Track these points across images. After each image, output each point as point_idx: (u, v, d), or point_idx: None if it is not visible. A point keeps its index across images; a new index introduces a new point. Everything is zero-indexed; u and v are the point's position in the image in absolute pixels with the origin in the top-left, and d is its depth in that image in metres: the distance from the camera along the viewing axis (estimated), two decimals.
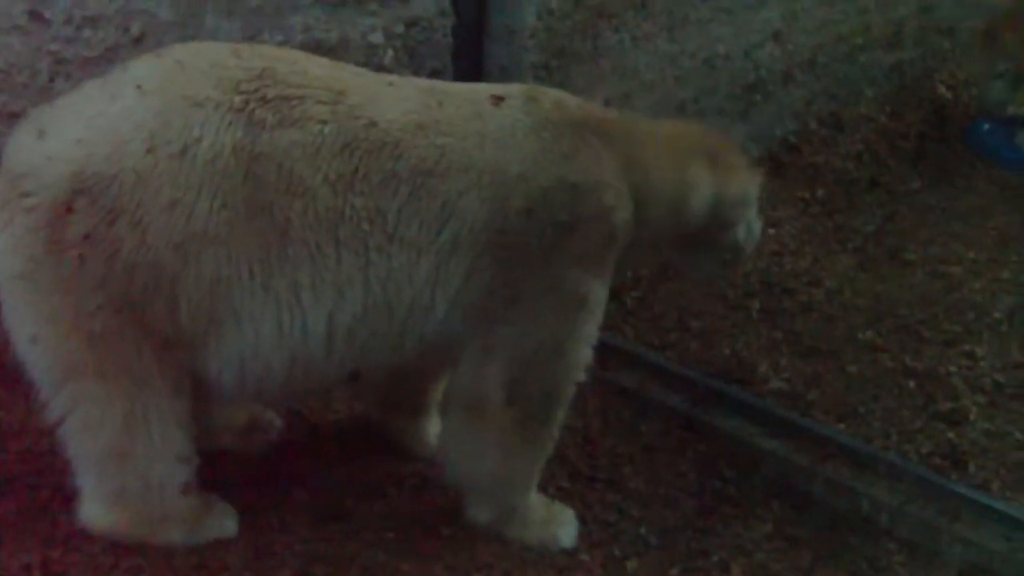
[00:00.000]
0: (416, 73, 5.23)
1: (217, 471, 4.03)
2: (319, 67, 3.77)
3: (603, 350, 4.15)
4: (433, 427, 4.45)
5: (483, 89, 4.03)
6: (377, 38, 5.09)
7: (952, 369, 5.24)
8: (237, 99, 3.55)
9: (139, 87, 3.55)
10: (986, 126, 7.14)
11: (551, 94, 4.07)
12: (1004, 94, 6.87)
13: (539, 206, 3.79)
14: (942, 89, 7.69)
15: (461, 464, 4.07)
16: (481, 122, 3.81)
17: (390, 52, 5.15)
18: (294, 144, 3.57)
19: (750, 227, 4.45)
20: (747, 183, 4.38)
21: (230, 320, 3.59)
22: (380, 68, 5.07)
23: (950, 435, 4.85)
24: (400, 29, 5.18)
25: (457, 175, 3.71)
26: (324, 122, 3.60)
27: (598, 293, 3.96)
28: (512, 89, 4.03)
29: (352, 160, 3.61)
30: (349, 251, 3.62)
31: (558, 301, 3.88)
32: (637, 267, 4.45)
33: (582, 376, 4.03)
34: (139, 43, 4.57)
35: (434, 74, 5.29)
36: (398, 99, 3.77)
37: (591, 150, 3.91)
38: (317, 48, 4.86)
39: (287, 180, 3.55)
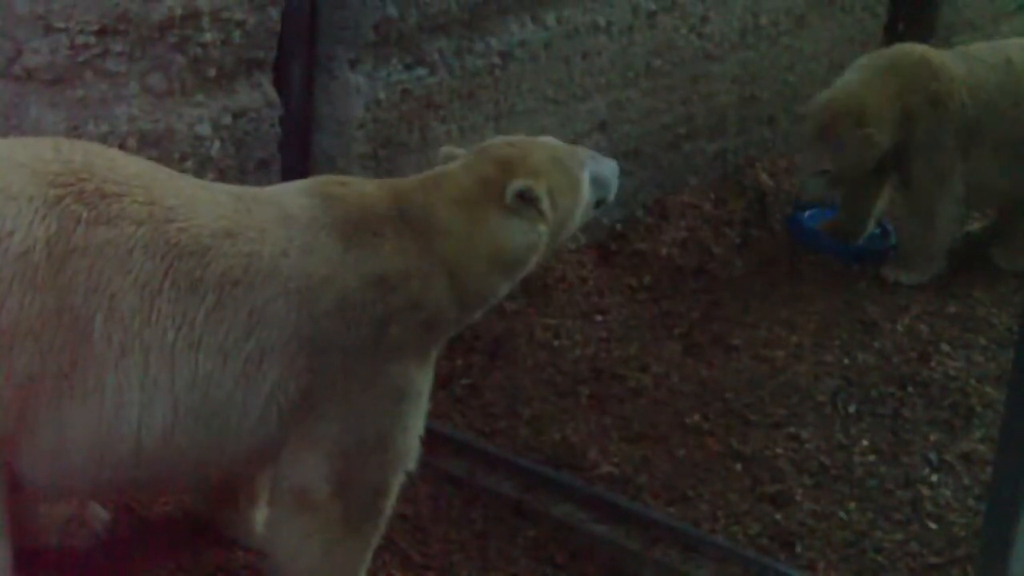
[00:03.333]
0: (243, 164, 5.22)
1: (41, 568, 3.97)
2: (136, 166, 3.76)
3: (433, 438, 4.15)
4: (262, 516, 4.41)
5: (287, 189, 4.04)
6: (204, 129, 5.08)
7: (778, 452, 5.32)
8: (52, 193, 3.51)
9: None
10: (806, 214, 7.27)
11: (346, 185, 4.07)
12: (823, 191, 6.96)
13: (349, 307, 3.79)
14: (764, 177, 7.83)
15: (287, 558, 4.02)
16: (287, 227, 3.80)
17: (217, 143, 5.13)
18: (107, 243, 3.53)
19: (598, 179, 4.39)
20: (566, 166, 4.28)
21: (40, 416, 3.52)
22: (207, 160, 5.07)
23: (777, 517, 4.91)
24: (227, 120, 5.17)
25: (264, 284, 3.70)
26: (139, 223, 3.58)
27: (420, 381, 3.96)
28: (310, 187, 4.03)
29: (162, 264, 3.59)
30: (155, 355, 3.58)
31: (379, 395, 3.87)
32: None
33: (410, 466, 4.02)
34: None
35: (261, 165, 5.29)
36: (211, 204, 3.76)
37: (394, 240, 3.90)
38: (142, 139, 4.84)
39: (97, 279, 3.51)
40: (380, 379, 3.86)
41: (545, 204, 4.07)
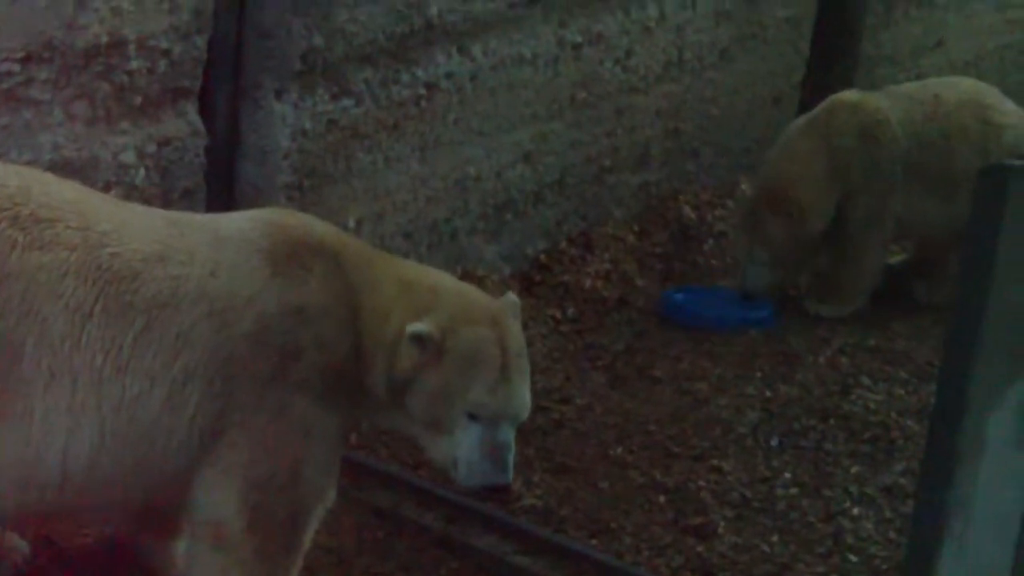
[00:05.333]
0: (168, 192, 5.20)
1: None
2: (71, 191, 3.75)
3: (357, 469, 4.15)
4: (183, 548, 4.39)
5: (231, 216, 4.03)
6: (128, 157, 5.06)
7: (701, 484, 5.33)
8: None
9: None
10: (679, 296, 7.15)
11: (297, 218, 4.08)
12: (767, 278, 6.96)
13: (265, 331, 3.77)
14: (688, 209, 7.87)
15: None
16: (218, 249, 3.80)
17: (142, 171, 5.11)
18: (40, 268, 3.52)
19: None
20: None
21: None
22: (132, 188, 5.04)
23: (699, 549, 4.93)
24: (152, 149, 5.15)
25: (191, 306, 3.70)
26: (72, 248, 3.57)
27: (328, 424, 3.89)
28: (258, 214, 4.03)
29: (93, 289, 3.58)
30: (84, 380, 3.57)
31: (286, 428, 3.83)
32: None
33: (326, 503, 3.98)
34: None
35: (186, 194, 5.27)
36: (144, 228, 3.75)
37: (321, 278, 3.87)
38: (66, 167, 4.81)
39: (30, 302, 3.50)
40: (287, 411, 3.82)
41: (427, 353, 3.91)
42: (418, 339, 3.85)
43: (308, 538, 4.02)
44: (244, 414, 3.79)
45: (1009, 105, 7.28)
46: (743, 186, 7.23)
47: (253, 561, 3.90)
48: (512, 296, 4.22)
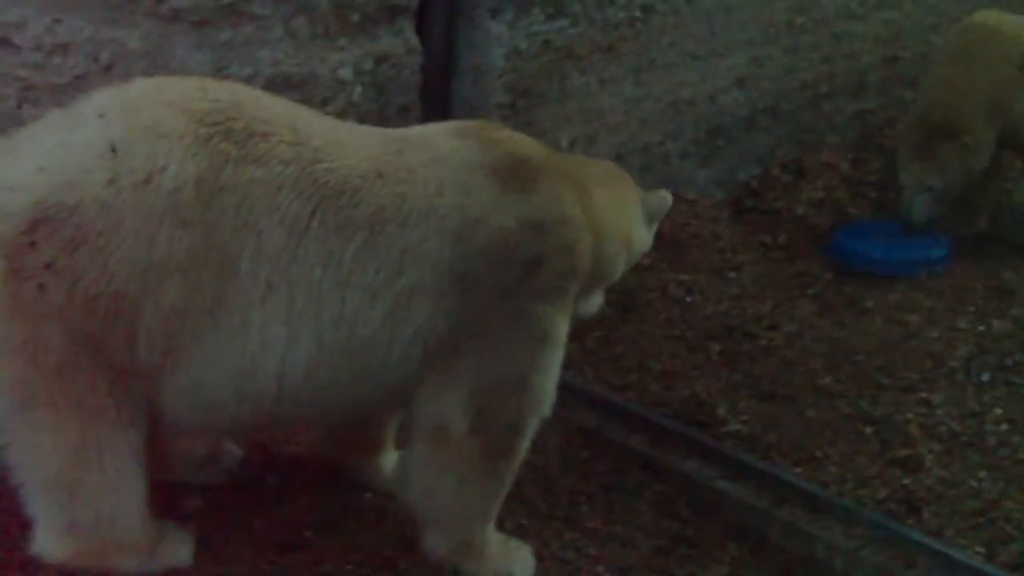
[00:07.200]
0: (384, 109, 5.25)
1: (175, 500, 4.04)
2: (282, 107, 3.79)
3: (563, 389, 4.16)
4: (389, 461, 4.48)
5: (437, 131, 4.07)
6: (346, 74, 5.12)
7: (908, 416, 5.26)
8: (202, 131, 3.55)
9: (102, 116, 3.56)
10: (844, 237, 6.87)
11: (502, 131, 4.13)
12: (931, 209, 6.77)
13: (503, 247, 3.82)
14: None
15: (421, 494, 4.04)
16: (439, 167, 3.83)
17: (359, 88, 5.17)
18: (254, 181, 3.57)
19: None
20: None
21: (184, 351, 3.57)
22: (349, 104, 5.11)
23: (905, 482, 4.86)
24: (369, 65, 5.20)
25: (417, 222, 3.74)
26: (286, 163, 3.61)
27: (561, 327, 4.00)
28: (464, 129, 4.06)
29: (310, 203, 3.62)
30: (301, 292, 3.62)
31: (523, 335, 3.90)
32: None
33: (546, 410, 4.04)
34: (108, 72, 4.59)
35: (402, 111, 5.32)
36: (358, 145, 3.79)
37: (549, 186, 3.95)
38: (285, 82, 4.89)
39: (245, 216, 3.55)
40: (525, 319, 3.89)
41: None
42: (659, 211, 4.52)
43: (526, 445, 4.08)
44: (480, 324, 3.84)
45: None
46: (904, 119, 7.04)
47: (473, 464, 3.97)
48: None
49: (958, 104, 6.72)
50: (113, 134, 3.51)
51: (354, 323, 3.69)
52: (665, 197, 4.52)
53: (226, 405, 3.69)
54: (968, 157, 6.71)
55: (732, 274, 6.30)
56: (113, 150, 3.48)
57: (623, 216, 4.32)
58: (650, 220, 4.49)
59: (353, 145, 3.78)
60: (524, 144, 4.07)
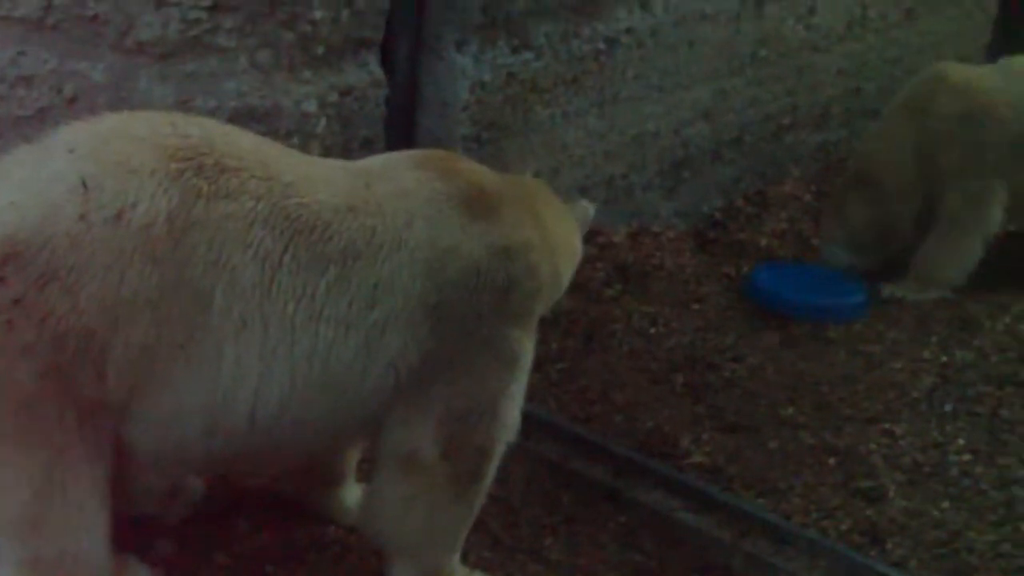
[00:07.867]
0: (348, 142, 5.26)
1: (138, 535, 4.02)
2: (252, 141, 3.79)
3: (527, 420, 4.17)
4: (351, 494, 4.50)
5: (397, 162, 4.09)
6: (310, 106, 5.13)
7: (872, 447, 5.28)
8: (173, 167, 3.53)
9: (72, 151, 3.53)
10: (762, 275, 6.68)
11: (461, 162, 4.19)
12: (840, 260, 6.73)
13: (474, 275, 3.86)
14: None
15: (390, 523, 4.04)
16: (407, 200, 3.86)
17: (323, 120, 5.18)
18: (227, 216, 3.56)
19: None
20: None
21: (154, 386, 3.55)
22: (312, 136, 5.11)
23: (869, 513, 4.88)
24: (333, 98, 5.21)
25: (389, 255, 3.76)
26: (258, 198, 3.61)
27: (529, 349, 4.05)
28: (425, 161, 4.09)
29: (282, 238, 3.62)
30: (275, 327, 3.62)
31: (494, 360, 3.94)
32: None
33: (512, 435, 4.06)
34: (72, 104, 4.60)
35: (366, 143, 5.33)
36: (328, 180, 3.80)
37: (511, 213, 4.01)
38: (250, 114, 4.89)
39: (217, 251, 3.54)
40: (497, 344, 3.93)
41: None
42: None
43: (493, 471, 4.09)
44: (452, 351, 3.86)
45: None
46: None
47: (443, 489, 3.98)
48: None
49: (879, 154, 6.72)
50: (83, 169, 3.49)
51: (327, 356, 3.69)
52: (587, 208, 4.62)
53: (197, 440, 3.68)
54: (877, 207, 6.68)
55: (696, 306, 6.32)
56: (84, 185, 3.46)
57: (567, 231, 4.39)
58: (581, 231, 4.56)
59: (323, 179, 3.79)
60: (480, 173, 4.11)
